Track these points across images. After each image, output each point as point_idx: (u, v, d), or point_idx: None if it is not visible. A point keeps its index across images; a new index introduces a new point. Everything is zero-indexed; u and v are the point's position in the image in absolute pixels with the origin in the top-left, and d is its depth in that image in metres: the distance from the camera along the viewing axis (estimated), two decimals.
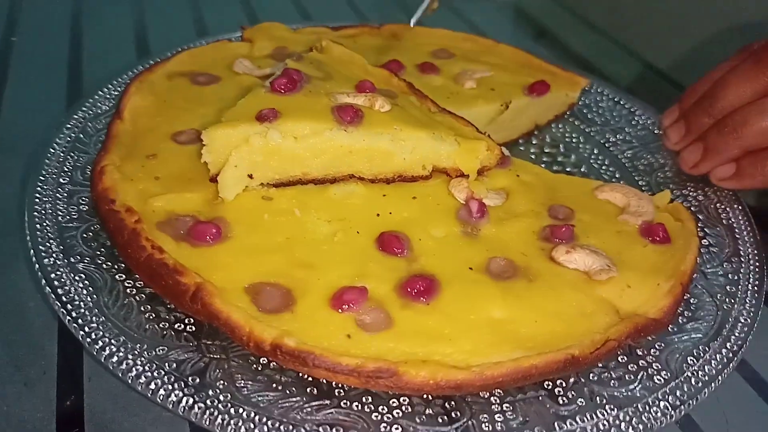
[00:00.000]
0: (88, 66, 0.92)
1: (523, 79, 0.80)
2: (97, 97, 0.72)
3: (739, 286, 0.60)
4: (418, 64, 0.80)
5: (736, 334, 0.56)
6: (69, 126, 0.68)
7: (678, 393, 0.50)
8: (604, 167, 0.77)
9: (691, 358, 0.53)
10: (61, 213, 0.58)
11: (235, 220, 0.57)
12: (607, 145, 0.79)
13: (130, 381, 0.46)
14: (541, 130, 0.82)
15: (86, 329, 0.49)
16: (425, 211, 0.61)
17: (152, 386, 0.46)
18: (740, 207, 0.69)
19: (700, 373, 0.52)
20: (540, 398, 0.50)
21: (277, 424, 0.45)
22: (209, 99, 0.70)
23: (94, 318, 0.50)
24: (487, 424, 0.47)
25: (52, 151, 0.64)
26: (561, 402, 0.49)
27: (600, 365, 0.52)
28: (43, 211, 0.58)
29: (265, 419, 0.45)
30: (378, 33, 0.88)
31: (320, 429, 0.45)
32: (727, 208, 0.69)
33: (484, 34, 0.92)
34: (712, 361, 0.53)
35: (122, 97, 0.68)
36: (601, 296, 0.55)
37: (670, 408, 0.49)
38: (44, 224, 0.57)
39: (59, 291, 0.51)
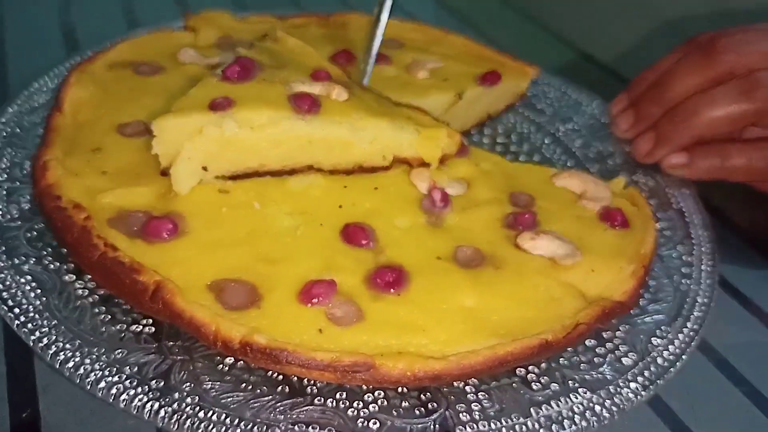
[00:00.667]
0: (13, 62, 0.86)
1: (474, 69, 0.79)
2: (32, 90, 0.68)
3: (694, 268, 0.62)
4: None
5: (696, 314, 0.57)
6: (3, 121, 0.63)
7: (646, 373, 0.51)
8: (556, 156, 0.77)
9: (655, 338, 0.54)
10: (0, 212, 0.54)
11: (192, 215, 0.54)
12: (557, 134, 0.80)
13: (89, 387, 0.43)
14: (493, 120, 0.82)
15: (37, 334, 0.45)
16: (388, 201, 0.60)
17: (113, 391, 0.43)
18: (689, 191, 0.71)
19: (665, 352, 0.53)
20: (514, 385, 0.49)
21: (250, 426, 0.43)
22: (155, 89, 0.67)
23: (45, 322, 0.46)
24: (464, 414, 0.46)
25: None
26: (534, 388, 0.49)
27: (569, 349, 0.52)
28: None
29: (237, 421, 0.43)
30: (326, 23, 0.86)
31: (295, 428, 0.44)
32: (676, 193, 0.71)
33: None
34: (676, 341, 0.54)
35: (61, 88, 0.64)
36: (567, 281, 0.55)
37: (640, 388, 0.50)
38: None
39: (4, 294, 0.48)
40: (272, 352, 0.44)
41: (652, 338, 0.54)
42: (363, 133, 0.60)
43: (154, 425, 0.43)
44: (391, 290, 0.51)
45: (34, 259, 0.51)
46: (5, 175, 0.58)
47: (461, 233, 0.58)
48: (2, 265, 0.50)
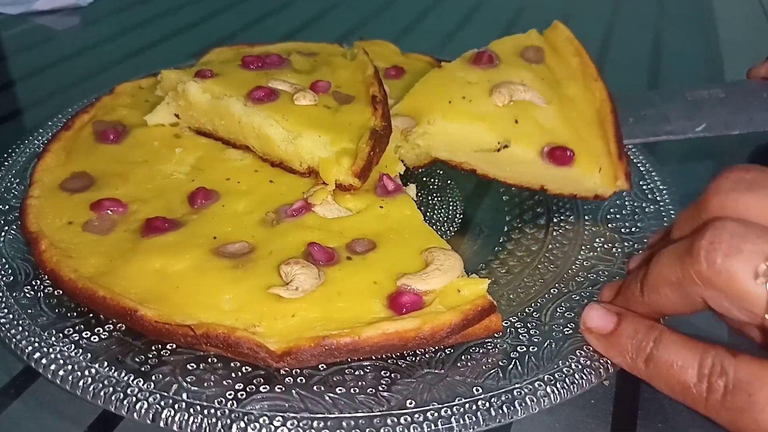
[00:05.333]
0: None
1: (563, 134, 0.67)
2: None
3: None
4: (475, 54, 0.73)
5: None
6: None
7: None
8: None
9: None
10: None
11: (138, 135, 0.71)
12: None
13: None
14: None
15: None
16: (262, 191, 0.64)
17: None
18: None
19: None
20: None
21: None
22: None
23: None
24: None
25: None
26: None
27: None
28: None
29: None
30: None
31: None
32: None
33: None
34: None
35: None
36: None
37: None
38: None
39: None
40: None
41: None
42: (285, 135, 0.65)
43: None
44: (149, 235, 0.58)
45: None
46: None
47: (271, 241, 0.58)
48: None
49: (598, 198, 0.68)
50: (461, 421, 0.45)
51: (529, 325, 0.54)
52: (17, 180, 0.69)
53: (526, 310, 0.56)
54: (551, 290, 0.58)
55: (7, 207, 0.65)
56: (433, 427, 0.45)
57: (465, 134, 0.67)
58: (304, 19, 1.27)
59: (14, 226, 0.62)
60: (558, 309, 0.56)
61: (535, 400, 0.47)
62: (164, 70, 0.73)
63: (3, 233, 0.62)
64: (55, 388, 0.51)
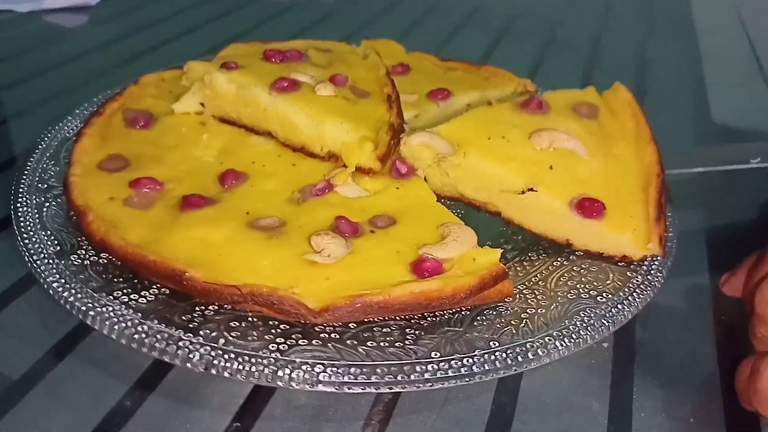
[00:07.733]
0: None
1: (600, 188, 0.64)
2: None
3: None
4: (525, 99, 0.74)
5: None
6: None
7: None
8: None
9: None
10: None
11: (166, 122, 0.76)
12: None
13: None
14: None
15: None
16: (286, 173, 0.69)
17: None
18: None
19: None
20: None
21: None
22: None
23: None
24: None
25: None
26: None
27: None
28: None
29: None
30: (475, 72, 0.92)
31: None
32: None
33: None
34: None
35: None
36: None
37: None
38: None
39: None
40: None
41: None
42: (308, 121, 0.71)
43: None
44: (187, 210, 0.63)
45: None
46: None
47: (298, 217, 0.63)
48: None
49: (626, 259, 0.64)
50: (481, 368, 0.51)
51: (536, 291, 0.60)
52: (52, 162, 0.73)
53: (533, 279, 0.62)
54: (554, 263, 0.64)
55: (45, 186, 0.69)
56: (456, 374, 0.50)
57: (494, 172, 0.66)
58: (308, 20, 1.32)
59: (54, 203, 0.67)
60: (561, 278, 0.62)
61: (546, 352, 0.53)
62: (191, 62, 0.78)
63: (45, 209, 0.66)
64: (100, 348, 0.57)
